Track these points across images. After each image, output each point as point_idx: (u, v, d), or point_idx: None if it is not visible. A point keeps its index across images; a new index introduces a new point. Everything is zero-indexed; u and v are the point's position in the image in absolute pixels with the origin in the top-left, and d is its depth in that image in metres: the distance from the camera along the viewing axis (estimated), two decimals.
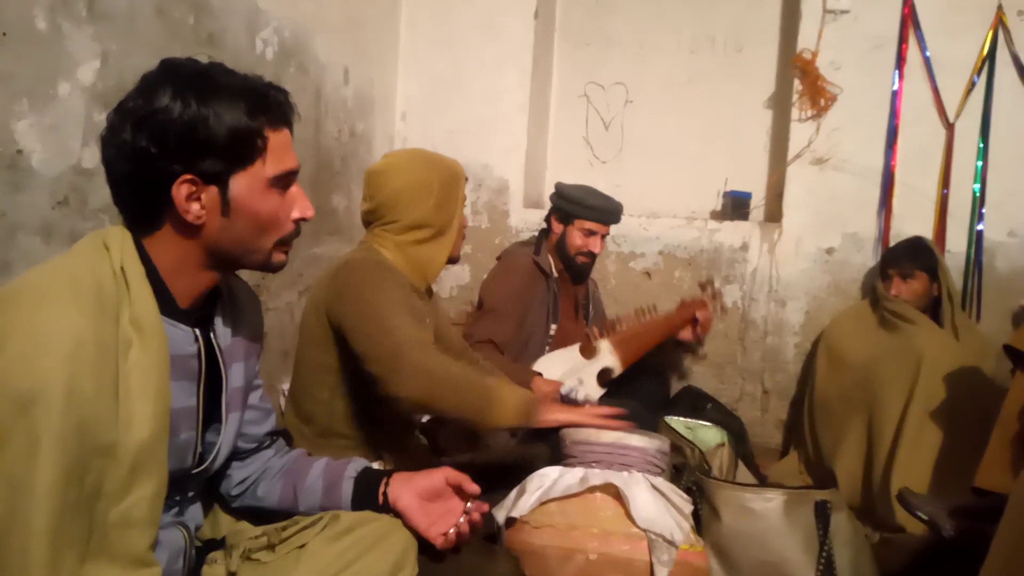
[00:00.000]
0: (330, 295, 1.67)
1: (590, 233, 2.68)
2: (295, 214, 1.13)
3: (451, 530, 1.22)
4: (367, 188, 1.83)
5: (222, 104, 1.03)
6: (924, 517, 1.86)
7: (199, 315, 1.15)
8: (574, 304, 2.83)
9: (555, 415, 1.64)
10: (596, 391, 2.63)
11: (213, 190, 1.05)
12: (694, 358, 3.05)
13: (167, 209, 1.04)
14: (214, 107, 1.03)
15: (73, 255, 1.03)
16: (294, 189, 1.14)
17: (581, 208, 2.65)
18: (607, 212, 2.68)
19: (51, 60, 1.69)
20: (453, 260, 1.90)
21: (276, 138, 1.09)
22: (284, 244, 1.15)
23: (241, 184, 1.06)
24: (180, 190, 1.03)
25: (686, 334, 2.86)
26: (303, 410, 1.77)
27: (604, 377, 2.64)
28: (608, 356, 2.66)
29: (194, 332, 1.13)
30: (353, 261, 1.72)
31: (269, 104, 1.09)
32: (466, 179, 1.90)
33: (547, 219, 2.78)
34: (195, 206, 1.04)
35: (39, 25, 1.64)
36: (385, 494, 1.23)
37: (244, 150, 1.06)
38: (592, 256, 2.72)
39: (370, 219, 1.84)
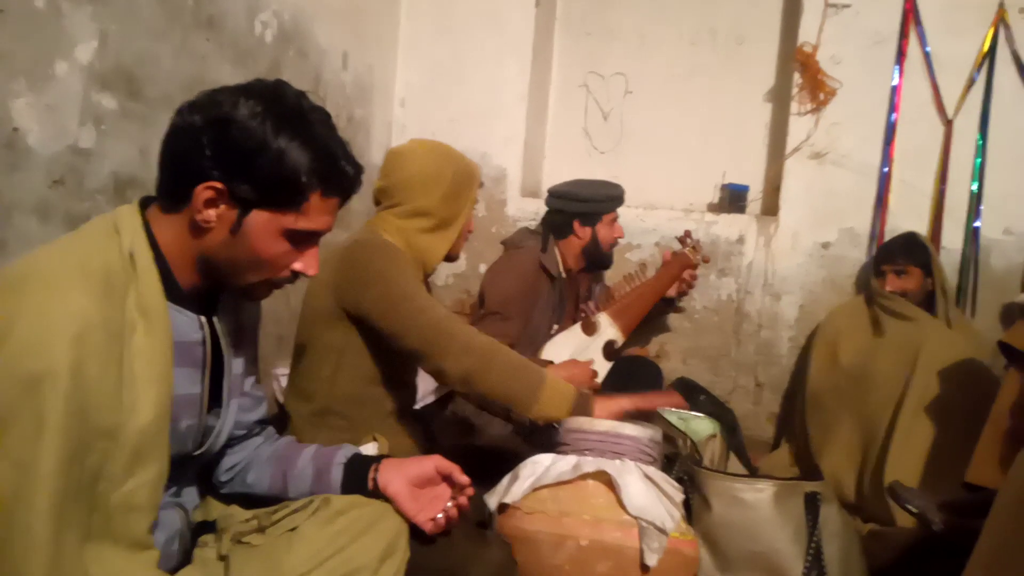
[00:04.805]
0: (345, 277, 1.68)
1: (614, 221, 2.73)
2: (297, 266, 1.13)
3: (440, 515, 1.22)
4: (384, 166, 1.86)
5: (293, 148, 1.04)
6: (914, 510, 1.87)
7: (203, 301, 1.15)
8: (576, 302, 2.83)
9: (612, 406, 1.65)
10: (604, 365, 2.63)
11: (234, 209, 1.05)
12: (678, 311, 3.04)
13: (190, 200, 1.05)
14: (284, 146, 1.03)
15: (82, 237, 1.04)
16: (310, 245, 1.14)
17: (606, 203, 2.67)
18: (622, 196, 2.75)
19: (49, 39, 1.68)
20: (451, 258, 1.90)
21: (321, 202, 1.09)
22: (272, 285, 1.15)
23: (260, 219, 1.07)
24: (203, 192, 1.03)
25: (671, 290, 2.87)
26: (303, 388, 1.78)
27: (609, 349, 2.65)
28: (609, 329, 2.67)
29: (199, 319, 1.13)
30: (363, 242, 1.72)
31: (334, 173, 1.09)
32: (481, 184, 1.91)
33: (558, 225, 2.69)
34: (209, 212, 1.05)
35: (37, 3, 1.64)
36: (375, 480, 1.23)
37: (283, 197, 1.06)
38: (618, 240, 2.79)
39: (380, 198, 1.86)
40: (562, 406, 1.58)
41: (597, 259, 2.73)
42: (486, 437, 2.10)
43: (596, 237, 2.68)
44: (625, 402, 1.70)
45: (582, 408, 1.60)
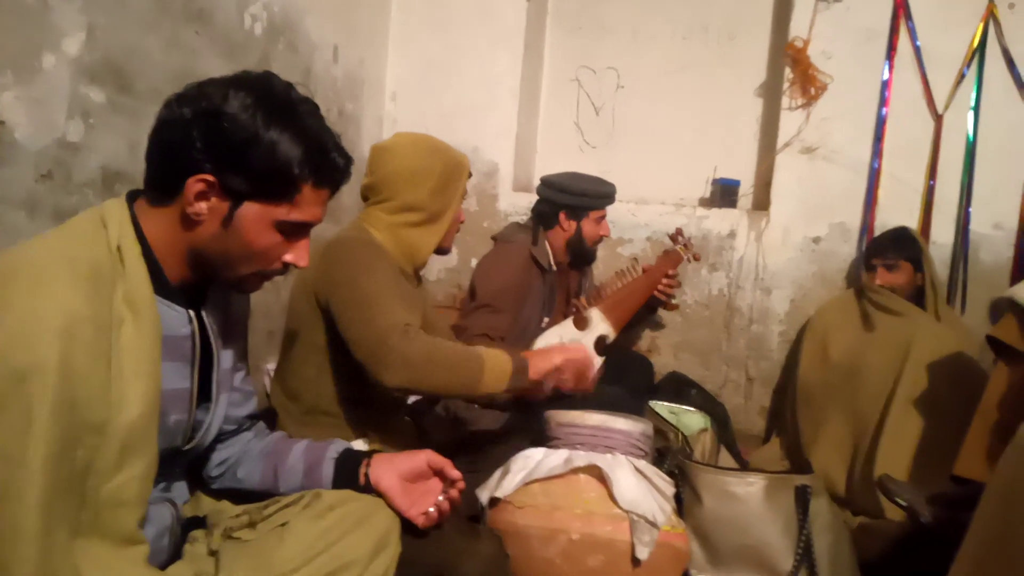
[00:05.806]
0: (319, 274, 1.67)
1: (602, 218, 2.73)
2: (288, 257, 1.13)
3: (432, 509, 1.22)
4: (370, 163, 1.84)
5: (284, 140, 1.04)
6: (903, 503, 1.88)
7: (192, 295, 1.15)
8: (566, 295, 2.83)
9: (544, 363, 1.60)
10: (596, 360, 2.64)
11: (225, 201, 1.05)
12: (670, 308, 3.00)
13: (179, 193, 1.05)
14: (275, 138, 1.03)
15: (70, 231, 1.03)
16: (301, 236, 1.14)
17: (595, 199, 2.68)
18: (613, 194, 2.74)
19: (37, 32, 1.66)
20: (443, 251, 1.90)
21: (312, 194, 1.10)
22: (264, 277, 1.15)
23: (252, 211, 1.07)
24: (195, 185, 1.03)
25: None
26: (289, 387, 1.77)
27: (600, 344, 2.66)
28: (601, 324, 2.67)
29: (188, 313, 1.13)
30: (343, 240, 1.71)
31: (325, 164, 1.10)
32: (470, 174, 1.90)
33: (545, 215, 2.72)
34: (201, 205, 1.05)
35: None
36: (366, 475, 1.23)
37: (275, 189, 1.06)
38: (603, 238, 2.78)
39: (367, 194, 1.85)
40: (503, 378, 1.55)
41: (580, 253, 2.73)
42: (477, 431, 2.10)
43: (580, 232, 2.69)
44: (556, 358, 1.63)
45: (520, 372, 1.56)
